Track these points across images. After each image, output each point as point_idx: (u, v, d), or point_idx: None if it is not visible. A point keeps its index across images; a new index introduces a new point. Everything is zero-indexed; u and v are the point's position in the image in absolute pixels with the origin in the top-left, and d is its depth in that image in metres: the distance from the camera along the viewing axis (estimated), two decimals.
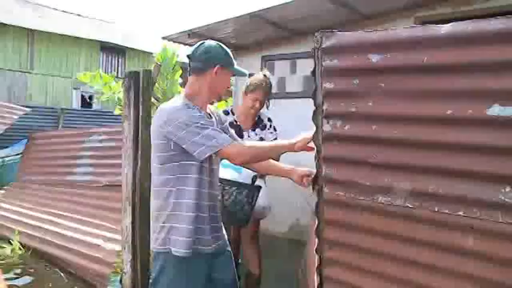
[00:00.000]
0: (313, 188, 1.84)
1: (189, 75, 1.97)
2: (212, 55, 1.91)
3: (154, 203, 1.95)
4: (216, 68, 1.90)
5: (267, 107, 3.20)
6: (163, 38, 5.24)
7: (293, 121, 3.94)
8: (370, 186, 1.61)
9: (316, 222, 1.82)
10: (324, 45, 1.69)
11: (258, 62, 5.00)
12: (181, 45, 5.45)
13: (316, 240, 1.83)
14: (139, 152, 2.82)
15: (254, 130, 3.10)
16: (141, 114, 2.82)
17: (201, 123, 1.81)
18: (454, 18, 2.73)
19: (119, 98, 9.01)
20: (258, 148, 1.96)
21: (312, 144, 1.81)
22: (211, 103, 2.29)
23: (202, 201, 1.90)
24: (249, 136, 3.06)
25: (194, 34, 4.88)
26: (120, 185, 3.45)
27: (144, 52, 19.25)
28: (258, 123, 3.13)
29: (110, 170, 3.81)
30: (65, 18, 18.66)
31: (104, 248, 3.14)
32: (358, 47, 1.60)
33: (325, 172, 1.74)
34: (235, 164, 2.04)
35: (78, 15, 20.07)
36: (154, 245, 1.93)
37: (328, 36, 1.68)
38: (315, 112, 1.76)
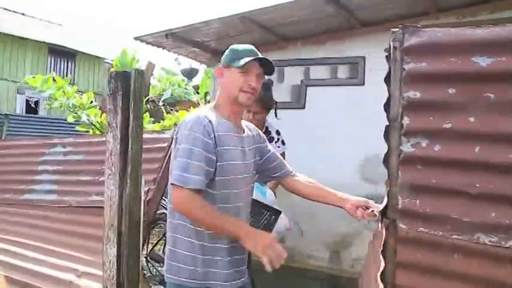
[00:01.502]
0: (381, 222, 1.48)
1: None
2: (221, 61, 1.81)
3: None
4: (217, 70, 1.79)
5: (276, 116, 2.86)
6: (136, 38, 4.72)
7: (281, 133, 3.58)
8: (468, 222, 1.28)
9: (383, 264, 1.46)
10: (406, 44, 1.34)
11: None
12: (149, 48, 4.99)
13: (381, 285, 1.47)
14: (128, 170, 2.33)
15: None
16: (131, 123, 2.33)
17: (189, 148, 1.57)
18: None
19: (73, 104, 8.27)
20: (205, 214, 1.55)
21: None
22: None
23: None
24: None
25: (172, 35, 4.43)
26: (93, 207, 2.89)
27: (96, 57, 18.28)
28: (265, 135, 2.79)
29: (78, 188, 3.23)
30: (8, 17, 17.32)
31: (78, 284, 2.57)
32: (458, 47, 1.27)
33: (402, 203, 1.39)
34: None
35: (23, 14, 18.72)
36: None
37: (414, 33, 1.34)
38: (388, 128, 1.40)
